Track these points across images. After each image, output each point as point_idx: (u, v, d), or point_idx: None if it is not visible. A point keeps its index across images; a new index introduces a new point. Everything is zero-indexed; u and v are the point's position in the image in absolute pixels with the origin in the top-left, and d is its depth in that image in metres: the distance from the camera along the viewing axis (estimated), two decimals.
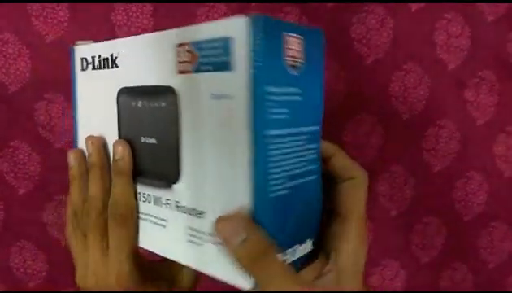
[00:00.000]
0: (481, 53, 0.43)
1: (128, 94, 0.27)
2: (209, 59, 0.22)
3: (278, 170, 0.23)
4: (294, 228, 0.24)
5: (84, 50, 0.29)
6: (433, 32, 0.42)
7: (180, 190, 0.24)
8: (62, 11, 0.40)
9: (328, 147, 0.27)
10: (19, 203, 0.44)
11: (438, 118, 0.45)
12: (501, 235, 0.48)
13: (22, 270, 0.46)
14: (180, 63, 0.23)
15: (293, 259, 0.24)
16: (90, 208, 0.27)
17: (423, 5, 0.42)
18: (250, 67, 0.21)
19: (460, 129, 0.45)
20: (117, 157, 0.26)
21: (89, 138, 0.28)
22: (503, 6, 0.42)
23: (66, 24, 0.41)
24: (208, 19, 0.41)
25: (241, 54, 0.21)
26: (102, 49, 0.28)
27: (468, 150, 0.45)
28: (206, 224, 0.23)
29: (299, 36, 0.23)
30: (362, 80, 0.43)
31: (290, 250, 0.24)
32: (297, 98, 0.24)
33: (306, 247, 0.25)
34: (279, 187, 0.23)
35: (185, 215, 0.24)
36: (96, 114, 0.29)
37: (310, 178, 0.25)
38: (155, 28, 0.41)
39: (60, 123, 0.43)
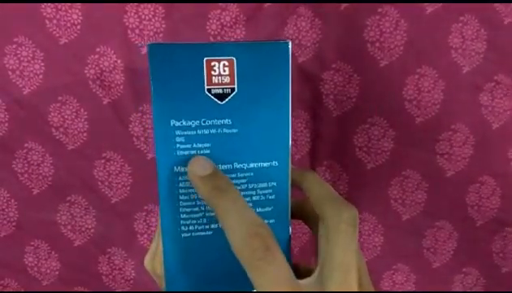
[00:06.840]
0: (497, 56, 0.42)
1: None
2: None
3: (196, 209, 0.21)
4: (224, 272, 0.22)
5: None
6: (448, 36, 0.42)
7: None
8: (76, 14, 0.40)
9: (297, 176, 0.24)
10: (33, 203, 0.45)
11: (452, 122, 0.44)
12: None
13: (36, 269, 0.47)
14: None
15: None
16: None
17: (437, 7, 0.41)
18: (152, 100, 0.20)
19: (474, 133, 0.44)
20: None
21: None
22: None
23: (79, 27, 0.41)
24: (220, 22, 0.41)
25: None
26: None
27: (482, 154, 0.45)
28: None
29: (229, 58, 0.20)
30: (376, 84, 0.43)
31: None
32: (228, 130, 0.21)
33: None
34: (199, 227, 0.21)
35: None
36: None
37: None
38: (168, 31, 0.41)
39: (73, 125, 0.43)
